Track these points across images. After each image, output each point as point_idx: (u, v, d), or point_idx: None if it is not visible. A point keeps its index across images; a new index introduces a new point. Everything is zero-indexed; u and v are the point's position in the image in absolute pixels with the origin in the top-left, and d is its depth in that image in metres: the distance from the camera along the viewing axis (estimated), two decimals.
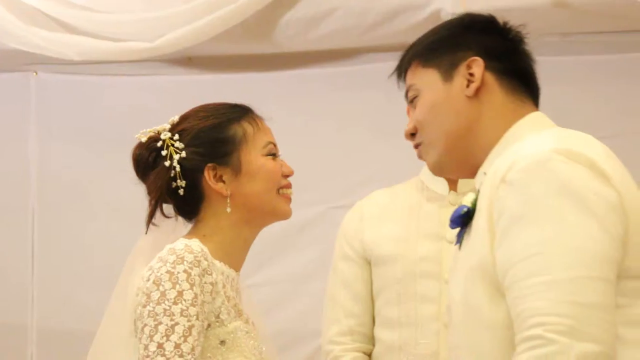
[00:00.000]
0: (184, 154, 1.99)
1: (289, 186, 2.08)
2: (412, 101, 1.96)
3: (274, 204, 2.05)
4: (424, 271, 2.49)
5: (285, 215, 2.09)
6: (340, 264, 2.61)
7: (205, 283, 1.86)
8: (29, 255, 4.30)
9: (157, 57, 4.00)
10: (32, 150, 4.32)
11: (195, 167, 1.99)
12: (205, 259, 1.87)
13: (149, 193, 2.04)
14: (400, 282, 2.50)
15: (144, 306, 1.85)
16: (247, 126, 2.04)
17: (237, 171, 2.00)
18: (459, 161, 1.92)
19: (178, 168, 1.97)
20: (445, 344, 2.33)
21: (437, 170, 1.97)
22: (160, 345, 1.78)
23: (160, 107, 4.22)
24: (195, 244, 1.89)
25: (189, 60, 4.17)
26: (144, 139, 2.04)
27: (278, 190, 2.06)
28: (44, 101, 4.32)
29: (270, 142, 2.08)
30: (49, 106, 4.32)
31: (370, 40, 3.81)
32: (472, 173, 1.93)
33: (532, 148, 1.74)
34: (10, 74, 4.32)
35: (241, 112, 2.07)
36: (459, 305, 1.83)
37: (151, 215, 2.06)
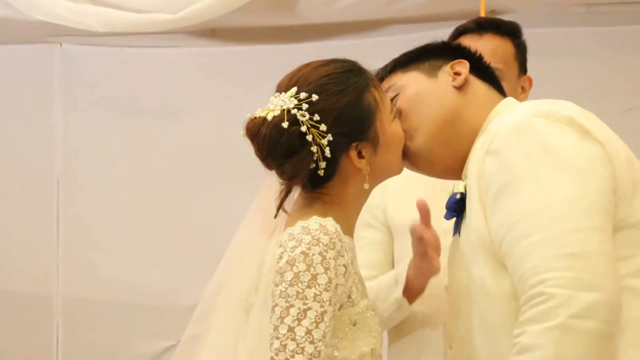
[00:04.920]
0: (330, 137, 1.84)
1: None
2: (391, 100, 1.98)
3: (401, 167, 2.00)
4: (446, 246, 2.49)
5: (401, 172, 2.03)
6: (362, 232, 2.60)
7: (339, 265, 1.79)
8: (54, 226, 4.33)
9: (181, 29, 4.00)
10: (56, 121, 4.34)
11: (340, 148, 1.86)
12: (340, 240, 1.80)
13: (288, 178, 1.87)
14: None
15: (276, 285, 1.77)
16: (374, 92, 1.91)
17: (375, 144, 1.90)
18: (446, 146, 1.95)
19: (327, 152, 1.84)
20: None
21: (423, 153, 1.96)
22: (291, 329, 1.73)
23: (184, 79, 4.25)
24: (330, 223, 1.81)
25: (213, 32, 4.17)
26: (269, 117, 1.84)
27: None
28: (68, 73, 4.33)
29: (391, 102, 1.97)
30: (73, 77, 4.33)
31: (394, 11, 3.80)
32: (457, 167, 1.95)
33: (511, 117, 1.79)
34: (35, 46, 4.34)
35: (366, 76, 1.92)
36: (465, 290, 1.85)
37: (284, 201, 1.89)
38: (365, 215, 2.59)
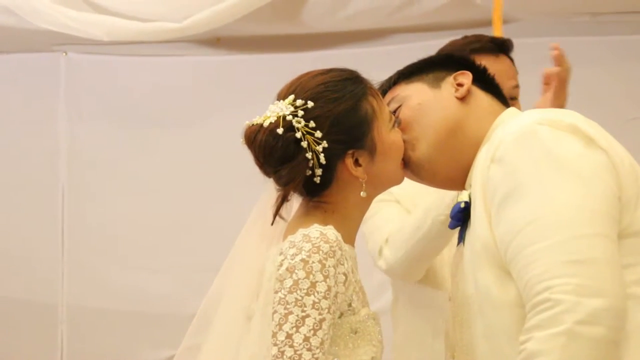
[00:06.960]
0: (325, 143, 1.85)
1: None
2: (394, 112, 1.99)
3: (401, 176, 2.00)
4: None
5: (401, 182, 2.03)
6: (379, 204, 2.58)
7: (339, 274, 1.80)
8: (59, 234, 4.35)
9: (186, 38, 4.02)
10: (61, 130, 4.36)
11: (335, 155, 1.87)
12: (340, 249, 1.81)
13: (283, 184, 1.87)
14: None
15: (276, 292, 1.79)
16: (372, 100, 1.92)
17: (372, 152, 1.90)
18: (449, 156, 1.95)
19: (322, 159, 1.85)
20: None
21: (425, 163, 1.96)
22: (289, 336, 1.75)
23: (188, 87, 4.26)
24: (331, 232, 1.82)
25: (217, 40, 4.19)
26: (266, 124, 1.86)
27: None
28: (73, 81, 4.35)
29: (390, 112, 1.98)
30: (78, 86, 4.35)
31: (398, 20, 3.80)
32: (459, 177, 1.95)
33: (515, 125, 1.79)
34: (40, 55, 4.36)
35: (364, 86, 1.93)
36: (469, 298, 1.85)
37: (280, 207, 1.89)
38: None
